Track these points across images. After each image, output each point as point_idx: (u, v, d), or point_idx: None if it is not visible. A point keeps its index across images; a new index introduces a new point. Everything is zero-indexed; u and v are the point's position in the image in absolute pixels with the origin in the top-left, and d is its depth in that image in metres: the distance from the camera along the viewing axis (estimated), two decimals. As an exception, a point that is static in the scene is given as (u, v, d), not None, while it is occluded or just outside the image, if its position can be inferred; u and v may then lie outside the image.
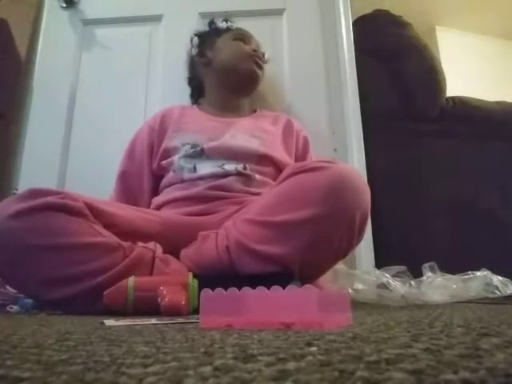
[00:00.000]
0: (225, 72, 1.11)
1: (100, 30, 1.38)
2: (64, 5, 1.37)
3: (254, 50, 1.10)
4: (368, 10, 1.42)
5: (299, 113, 1.20)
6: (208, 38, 1.16)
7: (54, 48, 1.35)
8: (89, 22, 1.38)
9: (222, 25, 1.16)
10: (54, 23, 1.38)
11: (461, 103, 1.32)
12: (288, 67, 1.29)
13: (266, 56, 1.17)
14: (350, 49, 1.27)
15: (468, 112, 1.32)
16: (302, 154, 1.08)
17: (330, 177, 0.69)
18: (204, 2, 1.36)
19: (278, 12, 1.35)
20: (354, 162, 1.17)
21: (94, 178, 1.17)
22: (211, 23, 1.19)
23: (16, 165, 1.25)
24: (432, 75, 1.30)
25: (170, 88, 1.27)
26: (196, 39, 1.17)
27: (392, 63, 1.32)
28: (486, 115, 1.32)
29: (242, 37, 1.13)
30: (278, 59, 1.29)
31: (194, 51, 1.17)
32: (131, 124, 1.16)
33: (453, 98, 1.32)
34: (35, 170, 1.22)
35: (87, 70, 1.34)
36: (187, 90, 1.22)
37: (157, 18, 1.37)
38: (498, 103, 1.37)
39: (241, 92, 1.13)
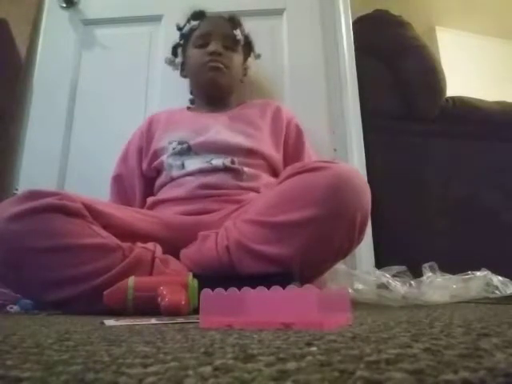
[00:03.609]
0: (193, 84, 1.14)
1: (100, 30, 1.38)
2: (64, 5, 1.37)
3: (212, 53, 1.05)
4: (368, 9, 1.42)
5: (299, 113, 1.20)
6: (180, 46, 1.16)
7: (54, 48, 1.35)
8: (89, 22, 1.38)
9: (186, 28, 1.14)
10: (54, 23, 1.38)
11: (461, 103, 1.32)
12: (288, 67, 1.29)
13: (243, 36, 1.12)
14: (349, 49, 1.27)
15: (468, 112, 1.31)
16: (295, 144, 1.07)
17: (331, 177, 0.69)
18: (204, 2, 1.36)
19: (278, 12, 1.34)
20: (354, 162, 1.17)
21: (94, 178, 1.17)
22: (178, 28, 1.17)
23: (16, 165, 1.25)
24: (432, 75, 1.30)
25: (169, 88, 1.27)
26: (168, 59, 1.18)
27: (392, 63, 1.32)
28: (485, 115, 1.32)
29: (202, 38, 1.09)
30: (278, 59, 1.29)
31: (173, 68, 1.19)
32: (131, 124, 1.16)
33: (453, 98, 1.31)
34: (35, 170, 1.22)
35: (87, 70, 1.34)
36: (187, 90, 1.22)
37: (157, 18, 1.37)
38: (497, 103, 1.37)
39: (213, 99, 1.11)
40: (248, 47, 1.17)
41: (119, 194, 1.06)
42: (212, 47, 1.06)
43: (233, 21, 1.13)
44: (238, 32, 1.11)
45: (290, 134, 1.08)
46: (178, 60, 1.17)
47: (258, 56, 1.20)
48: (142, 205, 1.01)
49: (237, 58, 1.11)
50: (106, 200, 1.04)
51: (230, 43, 1.09)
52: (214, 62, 1.05)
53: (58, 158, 1.24)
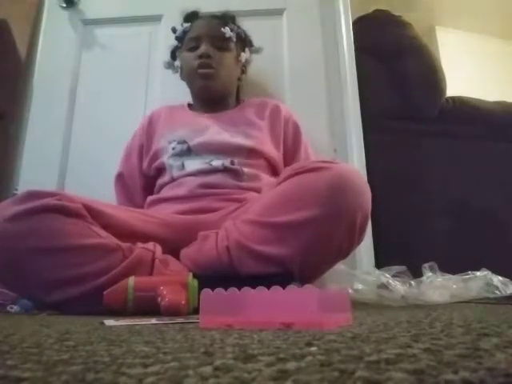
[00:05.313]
0: (189, 88, 1.13)
1: (100, 30, 1.38)
2: (64, 5, 1.37)
3: (200, 55, 1.03)
4: (368, 10, 1.42)
5: (299, 113, 1.20)
6: (177, 49, 1.16)
7: (53, 48, 1.35)
8: (89, 22, 1.38)
9: (179, 31, 1.13)
10: (54, 23, 1.38)
11: (461, 103, 1.32)
12: (288, 67, 1.29)
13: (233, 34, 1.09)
14: (349, 49, 1.27)
15: (468, 112, 1.31)
16: (292, 142, 1.07)
17: (331, 177, 0.69)
18: (204, 2, 1.36)
19: (278, 12, 1.34)
20: (354, 162, 1.17)
21: (94, 179, 1.17)
22: (173, 31, 1.16)
23: (16, 165, 1.25)
24: (432, 75, 1.30)
25: (169, 88, 1.27)
26: (166, 63, 1.18)
27: (392, 63, 1.32)
28: (486, 115, 1.32)
29: (193, 41, 1.08)
30: (278, 59, 1.29)
31: (173, 71, 1.18)
32: (131, 124, 1.16)
33: (453, 98, 1.32)
34: (35, 170, 1.22)
35: (87, 70, 1.34)
36: (187, 91, 1.22)
37: (157, 18, 1.37)
38: (498, 103, 1.37)
39: (210, 103, 1.10)
40: (243, 43, 1.14)
41: (123, 193, 1.08)
42: (201, 49, 1.04)
43: (223, 18, 1.11)
44: (226, 30, 1.07)
45: (288, 133, 1.08)
46: (177, 63, 1.16)
47: (258, 50, 1.18)
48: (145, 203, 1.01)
49: (229, 57, 1.08)
50: (110, 200, 1.04)
51: (221, 43, 1.07)
52: (203, 67, 1.04)
53: (58, 159, 1.24)
